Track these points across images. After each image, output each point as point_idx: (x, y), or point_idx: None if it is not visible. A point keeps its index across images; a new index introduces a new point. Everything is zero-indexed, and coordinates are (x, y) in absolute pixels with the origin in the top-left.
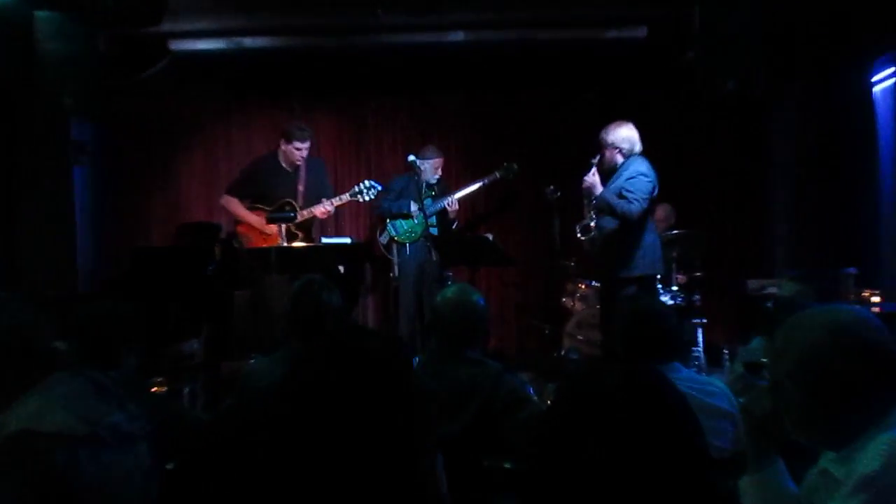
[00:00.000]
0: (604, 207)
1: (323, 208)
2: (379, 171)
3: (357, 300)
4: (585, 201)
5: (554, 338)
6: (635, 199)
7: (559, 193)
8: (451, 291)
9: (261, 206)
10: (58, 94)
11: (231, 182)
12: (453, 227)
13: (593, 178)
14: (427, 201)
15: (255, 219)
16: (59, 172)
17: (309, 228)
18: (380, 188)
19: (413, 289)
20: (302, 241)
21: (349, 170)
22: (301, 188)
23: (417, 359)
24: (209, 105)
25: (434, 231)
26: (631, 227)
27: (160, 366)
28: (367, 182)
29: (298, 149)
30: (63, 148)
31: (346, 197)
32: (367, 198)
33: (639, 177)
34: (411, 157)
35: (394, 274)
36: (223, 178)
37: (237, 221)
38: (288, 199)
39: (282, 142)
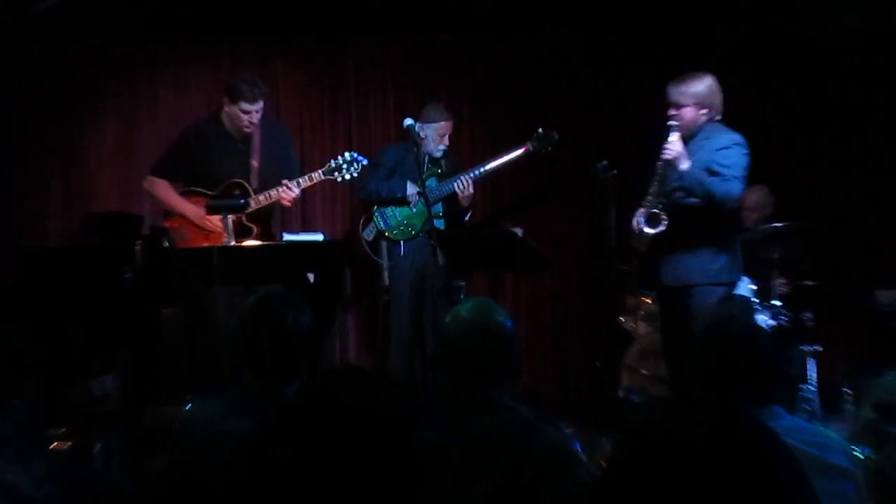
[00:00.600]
0: (694, 188)
1: (287, 192)
2: (363, 141)
3: (333, 321)
4: (656, 181)
5: (608, 373)
6: (733, 177)
7: (615, 171)
8: (465, 310)
9: (199, 189)
10: None
11: (157, 159)
12: (466, 218)
13: (679, 146)
14: (430, 182)
15: (190, 208)
16: None
17: (267, 221)
18: (365, 163)
19: (410, 305)
20: (257, 238)
21: (321, 138)
22: (255, 164)
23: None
24: (126, 53)
25: (440, 224)
26: (718, 217)
27: (61, 412)
28: (347, 154)
29: (247, 111)
30: None
31: (317, 175)
32: (346, 176)
33: (733, 147)
34: (408, 121)
35: (383, 283)
36: (146, 154)
37: (166, 212)
38: (237, 180)
39: (225, 102)
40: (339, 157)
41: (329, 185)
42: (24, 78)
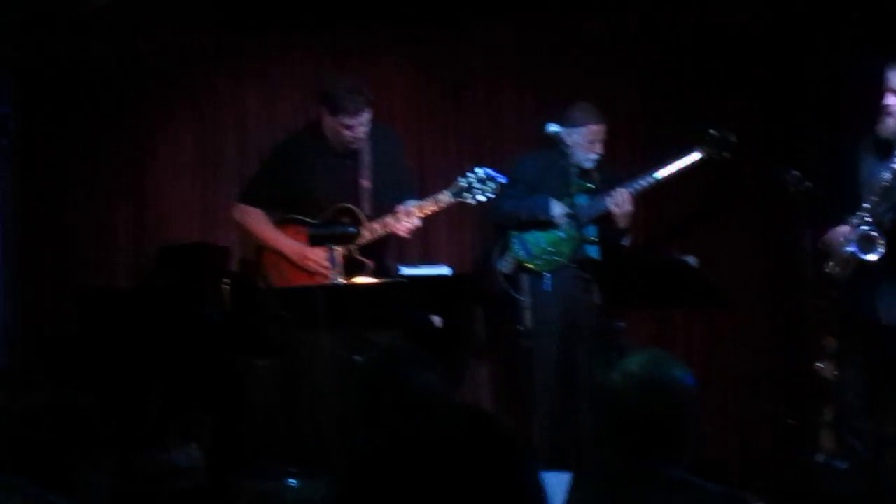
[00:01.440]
0: None
1: (405, 221)
2: (495, 152)
3: (464, 373)
4: (877, 194)
5: (805, 433)
6: None
7: (808, 183)
8: (635, 364)
9: (300, 217)
10: None
11: (247, 182)
12: (625, 242)
13: None
14: (580, 199)
15: (289, 244)
16: None
17: (381, 253)
18: (502, 181)
19: (558, 351)
20: (371, 274)
21: (442, 150)
22: (366, 183)
23: (570, 477)
24: (205, 49)
25: (592, 251)
26: None
27: (138, 488)
28: (480, 171)
29: (349, 126)
30: None
31: (444, 198)
32: (480, 197)
33: None
34: (552, 127)
35: (525, 325)
36: (232, 170)
37: (260, 246)
38: (345, 205)
39: (323, 112)
40: (470, 175)
41: (455, 207)
42: (84, 81)
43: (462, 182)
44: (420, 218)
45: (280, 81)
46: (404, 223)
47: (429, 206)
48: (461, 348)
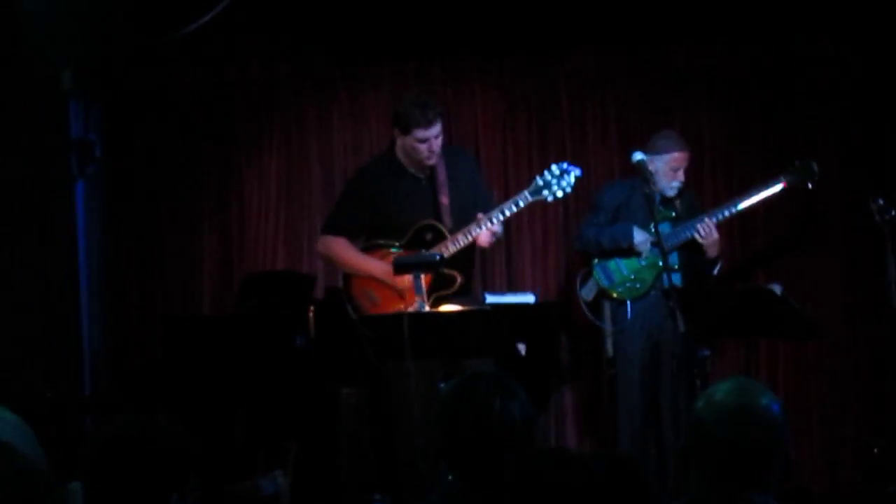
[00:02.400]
0: None
1: (485, 228)
2: (579, 180)
3: (548, 400)
4: None
5: (890, 462)
6: None
7: (895, 212)
8: (722, 392)
9: (384, 241)
10: (49, 68)
11: (329, 214)
12: (714, 271)
13: None
14: (664, 227)
15: (375, 264)
16: (55, 192)
17: (468, 267)
18: (578, 173)
19: (642, 379)
20: (459, 288)
21: (528, 176)
22: (444, 200)
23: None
24: (293, 77)
25: (676, 279)
26: None
27: None
28: (555, 167)
29: (423, 140)
30: (61, 152)
31: (523, 198)
32: (558, 193)
33: None
34: (638, 155)
35: (607, 354)
36: (318, 199)
37: (347, 274)
38: (427, 222)
39: (396, 134)
40: (547, 172)
41: (540, 234)
42: (173, 110)
43: (539, 180)
44: (501, 223)
45: (367, 112)
46: (485, 232)
47: (510, 210)
48: (546, 375)
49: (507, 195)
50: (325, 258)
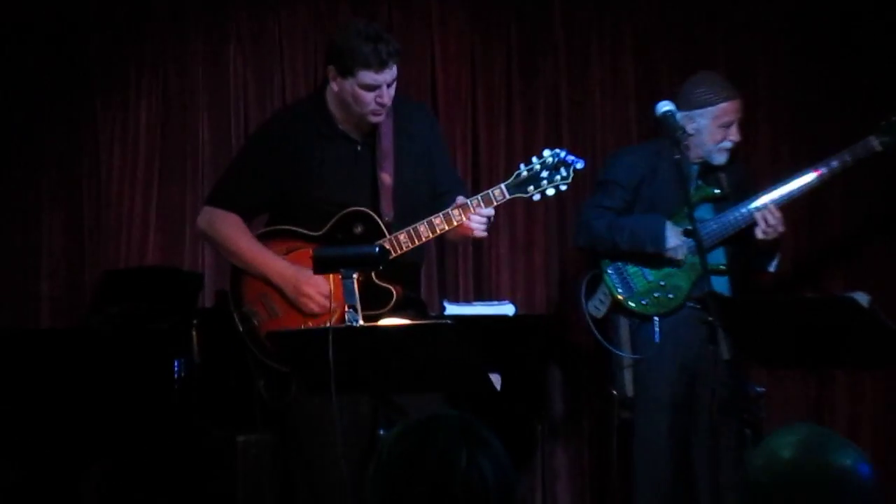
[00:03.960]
0: None
1: (471, 215)
2: (578, 141)
3: (532, 461)
4: None
5: None
6: None
7: None
8: (784, 446)
9: (294, 228)
10: None
11: (220, 178)
12: (771, 268)
13: None
14: (703, 210)
15: (275, 265)
16: None
17: (413, 277)
18: (579, 166)
19: (671, 426)
20: (400, 307)
21: (507, 137)
22: (386, 177)
23: None
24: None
25: (721, 285)
26: None
27: None
28: (548, 154)
29: (371, 87)
30: None
31: (498, 194)
32: (549, 191)
33: None
34: (665, 106)
35: (622, 392)
36: (205, 167)
37: (239, 272)
38: (357, 208)
39: (331, 75)
40: (535, 161)
41: (522, 222)
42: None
43: (523, 171)
44: (493, 208)
45: (277, 42)
46: (474, 217)
47: (475, 205)
48: (529, 421)
49: (476, 163)
50: (206, 239)
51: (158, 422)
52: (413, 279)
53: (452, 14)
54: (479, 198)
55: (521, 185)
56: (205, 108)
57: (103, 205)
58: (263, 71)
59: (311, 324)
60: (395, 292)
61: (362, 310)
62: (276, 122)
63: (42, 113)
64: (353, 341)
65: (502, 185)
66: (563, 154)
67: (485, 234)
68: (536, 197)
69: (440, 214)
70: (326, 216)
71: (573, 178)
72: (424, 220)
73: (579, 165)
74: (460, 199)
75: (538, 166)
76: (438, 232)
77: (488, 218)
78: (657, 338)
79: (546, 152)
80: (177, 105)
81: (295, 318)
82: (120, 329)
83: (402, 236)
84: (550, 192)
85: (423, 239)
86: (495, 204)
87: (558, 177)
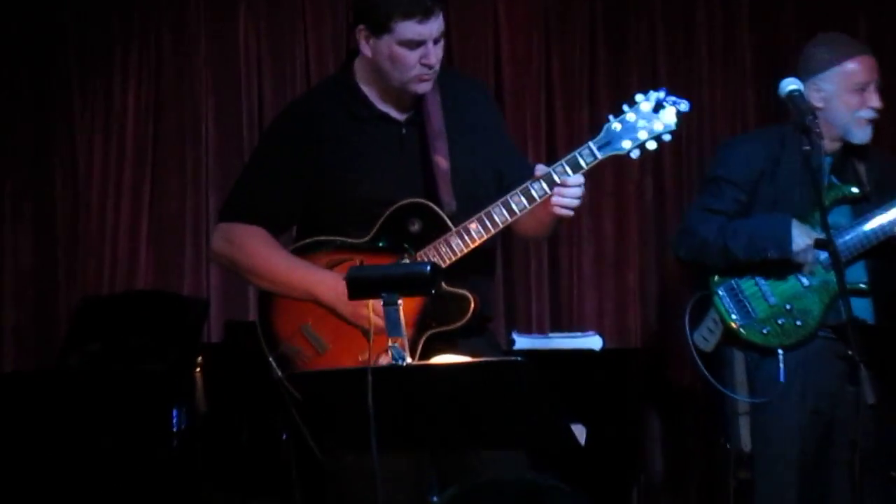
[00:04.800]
0: None
1: (559, 189)
2: (687, 127)
3: None
4: None
5: None
6: None
7: None
8: None
9: (334, 238)
10: None
11: (234, 186)
12: None
13: None
14: (838, 214)
15: (325, 279)
16: None
17: (486, 289)
18: (685, 108)
19: (800, 487)
20: (461, 343)
21: (577, 120)
22: (442, 163)
23: None
24: None
25: (862, 309)
26: None
27: None
28: (642, 98)
29: (414, 43)
30: None
31: (587, 156)
32: (650, 145)
33: None
34: (790, 84)
35: (738, 446)
36: (210, 166)
37: (268, 300)
38: (412, 200)
39: (361, 36)
40: (627, 108)
41: (610, 227)
42: None
43: (614, 122)
44: (580, 178)
45: (299, 8)
46: (560, 190)
47: (562, 177)
48: (623, 483)
49: (550, 148)
50: (226, 264)
51: (152, 486)
52: (488, 278)
53: None
54: (564, 163)
55: (613, 140)
56: (209, 90)
57: (81, 213)
58: (281, 40)
59: (359, 354)
60: (472, 299)
61: (429, 327)
62: (298, 107)
63: (2, 97)
64: (399, 384)
65: (590, 144)
66: (661, 95)
67: (572, 213)
68: (635, 154)
69: (517, 192)
70: (373, 217)
71: (678, 128)
72: (498, 202)
73: (683, 107)
74: (540, 168)
75: (632, 115)
76: (519, 214)
77: (578, 188)
78: (782, 376)
79: (639, 96)
80: (173, 87)
81: (350, 348)
82: (103, 370)
83: (473, 225)
84: (651, 144)
85: (500, 225)
86: (585, 168)
87: (659, 124)
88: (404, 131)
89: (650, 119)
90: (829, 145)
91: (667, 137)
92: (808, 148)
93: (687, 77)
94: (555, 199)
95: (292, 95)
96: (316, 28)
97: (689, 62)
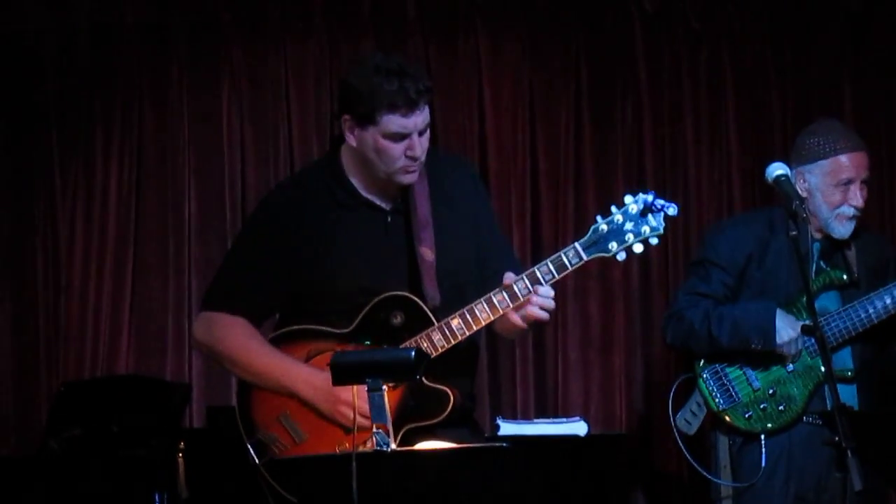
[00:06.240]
0: None
1: (531, 297)
2: (674, 189)
3: None
4: None
5: None
6: None
7: None
8: None
9: (315, 327)
10: None
11: (217, 275)
12: None
13: None
14: (827, 300)
15: (302, 373)
16: None
17: (468, 385)
18: (673, 212)
19: None
20: (443, 432)
21: (563, 193)
22: (427, 255)
23: None
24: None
25: (848, 395)
26: None
27: None
28: (631, 200)
29: (399, 136)
30: None
31: (571, 256)
32: (635, 247)
33: None
34: (777, 169)
35: None
36: (192, 246)
37: (247, 387)
38: (395, 293)
39: (346, 127)
40: (615, 210)
41: (596, 310)
42: None
43: (602, 224)
44: (549, 289)
45: (283, 86)
46: (535, 299)
47: (545, 275)
48: None
49: (534, 226)
50: (207, 352)
51: None
52: (470, 373)
53: (505, 48)
54: (549, 263)
55: (600, 241)
56: (191, 173)
57: (62, 299)
58: (265, 121)
59: (348, 445)
60: (451, 395)
61: (409, 421)
62: (282, 193)
63: None
64: (384, 470)
65: (576, 245)
66: (650, 199)
67: (547, 316)
68: (621, 256)
69: (501, 290)
70: (356, 307)
71: (665, 230)
72: (482, 299)
73: (671, 211)
74: (511, 278)
75: (620, 216)
76: (501, 312)
77: (547, 300)
78: (764, 461)
79: (628, 198)
80: (155, 169)
81: (327, 439)
82: (84, 455)
83: (455, 322)
84: (638, 247)
85: (482, 322)
86: (570, 269)
87: (646, 227)
88: (390, 220)
89: (638, 221)
90: (817, 233)
91: (654, 241)
92: (794, 233)
93: (672, 159)
94: (531, 302)
95: (276, 177)
96: (300, 110)
97: (674, 144)
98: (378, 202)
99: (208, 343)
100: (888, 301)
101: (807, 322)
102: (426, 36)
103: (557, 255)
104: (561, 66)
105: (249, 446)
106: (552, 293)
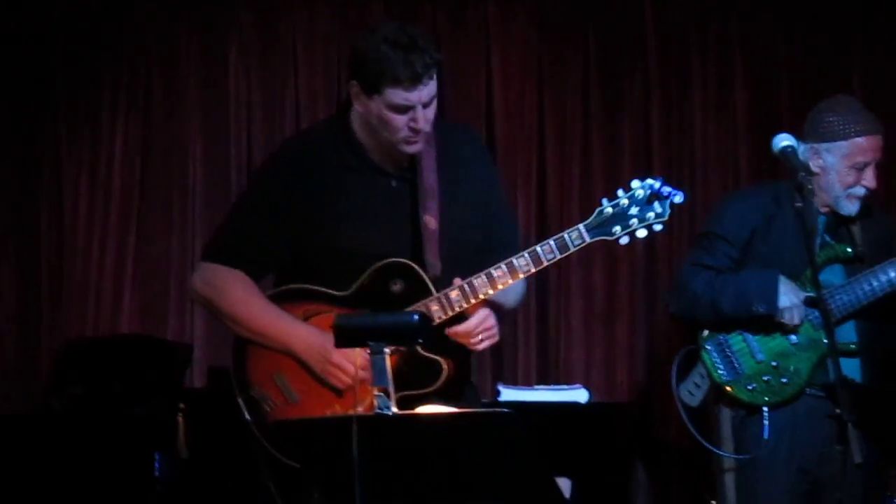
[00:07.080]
0: None
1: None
2: (673, 178)
3: None
4: None
5: None
6: None
7: None
8: None
9: (314, 287)
10: None
11: (218, 228)
12: None
13: None
14: (832, 273)
15: (297, 331)
16: None
17: (462, 356)
18: (679, 200)
19: None
20: (441, 402)
21: (572, 170)
22: (430, 223)
23: None
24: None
25: (852, 368)
26: None
27: None
28: (638, 186)
29: (403, 108)
30: None
31: (575, 237)
32: (640, 233)
33: None
34: (783, 141)
35: (724, 502)
36: (197, 208)
37: (244, 344)
38: (396, 260)
39: (354, 92)
40: (622, 194)
41: (600, 281)
42: None
43: (608, 207)
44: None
45: (291, 51)
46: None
47: (547, 256)
48: None
49: (538, 220)
50: (203, 303)
51: None
52: (465, 351)
53: (514, 18)
54: (552, 242)
55: (604, 224)
56: (198, 134)
57: (66, 257)
58: (273, 86)
59: (338, 408)
60: (445, 365)
61: (404, 388)
62: (289, 151)
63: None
64: (384, 434)
65: (581, 227)
66: (657, 185)
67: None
68: (624, 240)
69: (502, 265)
70: (356, 271)
71: (670, 216)
72: (482, 273)
73: (678, 199)
74: (528, 252)
75: (626, 201)
76: (500, 287)
77: (502, 304)
78: (766, 434)
79: (635, 183)
80: (162, 129)
81: (319, 401)
82: (85, 414)
83: (454, 294)
84: (642, 232)
85: (480, 297)
86: (573, 250)
87: (651, 213)
88: (395, 185)
89: (643, 207)
90: (823, 207)
91: (658, 227)
92: (800, 204)
93: (680, 130)
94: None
95: (282, 140)
96: (307, 73)
97: (682, 116)
98: (386, 167)
99: (206, 294)
100: (893, 274)
101: (811, 294)
102: (435, 3)
103: (560, 235)
104: (570, 35)
105: (241, 402)
106: (485, 316)
